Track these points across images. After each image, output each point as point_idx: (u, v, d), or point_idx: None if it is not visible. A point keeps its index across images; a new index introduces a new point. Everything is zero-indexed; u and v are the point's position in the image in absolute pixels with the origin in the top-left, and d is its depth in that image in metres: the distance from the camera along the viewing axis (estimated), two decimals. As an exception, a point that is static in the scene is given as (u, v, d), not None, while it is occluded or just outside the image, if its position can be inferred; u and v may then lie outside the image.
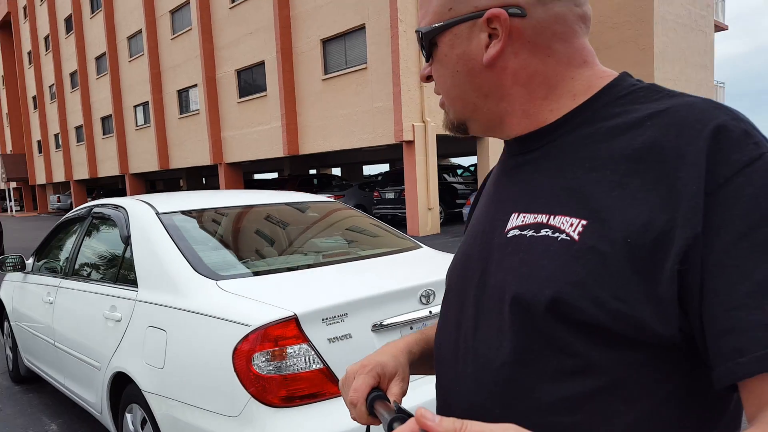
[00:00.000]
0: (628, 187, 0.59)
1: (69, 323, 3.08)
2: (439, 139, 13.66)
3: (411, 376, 0.84)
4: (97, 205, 3.39)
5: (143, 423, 2.47)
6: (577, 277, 0.59)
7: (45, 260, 3.91)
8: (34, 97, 36.50)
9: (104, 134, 27.94)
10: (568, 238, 0.61)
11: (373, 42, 13.52)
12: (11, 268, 3.95)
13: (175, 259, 2.47)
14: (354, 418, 0.79)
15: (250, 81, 17.73)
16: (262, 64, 17.04)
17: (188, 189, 27.12)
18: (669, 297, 0.55)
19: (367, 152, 18.14)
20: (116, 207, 3.12)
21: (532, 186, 0.69)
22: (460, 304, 0.75)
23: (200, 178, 27.67)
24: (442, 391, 0.76)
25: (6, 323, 4.52)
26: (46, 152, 35.09)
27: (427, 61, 0.75)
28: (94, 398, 2.87)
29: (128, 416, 2.61)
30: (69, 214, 3.81)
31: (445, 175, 15.51)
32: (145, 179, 26.96)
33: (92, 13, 27.48)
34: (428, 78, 0.77)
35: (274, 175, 28.15)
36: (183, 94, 21.49)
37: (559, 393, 0.61)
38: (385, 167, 26.07)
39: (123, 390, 2.67)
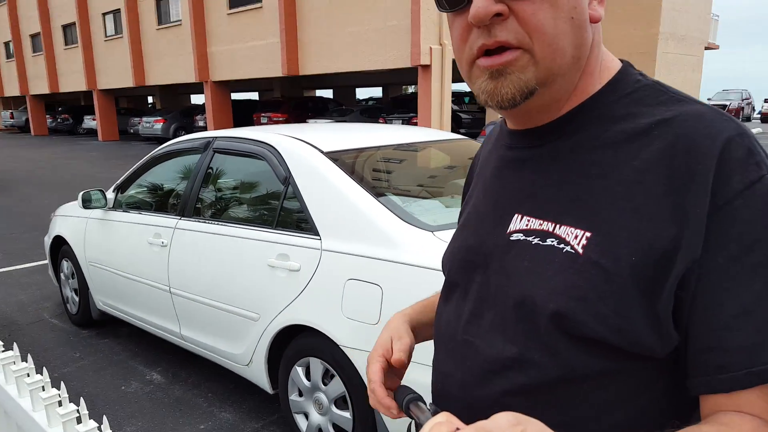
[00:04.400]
0: (634, 200, 0.59)
1: (201, 269, 2.77)
2: (454, 64, 13.08)
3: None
4: (221, 138, 2.98)
5: (325, 376, 2.32)
6: (580, 292, 0.59)
7: (135, 196, 3.50)
8: (-21, 0, 33.21)
9: (66, 44, 25.78)
10: (573, 251, 0.61)
11: (386, -47, 12.51)
12: (100, 203, 3.53)
13: (375, 209, 2.17)
14: (374, 405, 0.80)
15: (242, -9, 16.41)
16: (255, -28, 15.70)
17: (161, 108, 25.66)
18: (665, 314, 0.57)
19: (361, 75, 17.33)
20: (256, 142, 2.73)
21: (537, 187, 0.67)
22: (462, 295, 0.75)
23: (175, 96, 26.15)
24: (440, 377, 0.77)
25: (65, 263, 4.12)
26: (-4, 62, 32.41)
27: None
28: (240, 350, 2.63)
29: (299, 369, 2.40)
30: (168, 146, 3.37)
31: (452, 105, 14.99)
32: (114, 96, 25.34)
33: None
34: (496, 15, 0.59)
35: (255, 95, 26.75)
36: (162, 3, 19.80)
37: (555, 397, 0.63)
38: (377, 92, 25.06)
39: (286, 343, 2.45)
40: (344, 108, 17.75)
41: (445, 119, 12.71)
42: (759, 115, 25.90)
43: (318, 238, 2.28)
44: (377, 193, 2.26)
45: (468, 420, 0.51)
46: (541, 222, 0.65)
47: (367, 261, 2.09)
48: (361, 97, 25.68)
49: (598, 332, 0.59)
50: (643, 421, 0.62)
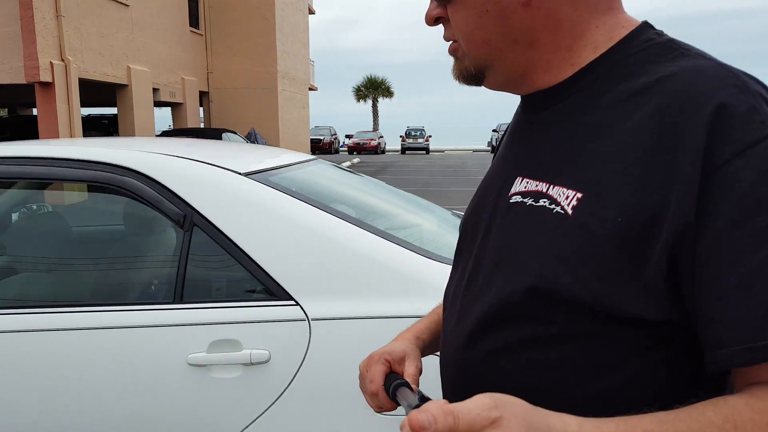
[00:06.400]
0: (625, 162, 0.57)
1: (13, 401, 1.45)
2: (82, 83, 10.96)
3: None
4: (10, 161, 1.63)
5: None
6: (564, 253, 0.58)
7: None
8: None
9: None
10: (562, 212, 0.60)
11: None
12: None
13: (382, 247, 1.56)
14: (378, 408, 0.78)
15: None
16: None
17: None
18: (655, 282, 0.54)
19: None
20: (88, 165, 1.61)
21: (538, 150, 0.68)
22: (465, 259, 0.76)
23: None
24: (443, 343, 0.78)
25: None
26: None
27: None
28: None
29: None
30: None
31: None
32: None
33: None
34: (436, 20, 0.71)
35: None
36: None
37: (537, 358, 0.62)
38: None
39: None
40: None
41: (78, 149, 10.57)
42: (344, 147, 31.01)
43: (292, 303, 1.47)
44: (364, 226, 1.62)
45: (462, 383, 0.51)
46: (537, 183, 0.65)
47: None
48: None
49: (578, 295, 0.57)
50: (636, 390, 0.58)
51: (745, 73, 0.56)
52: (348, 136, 30.82)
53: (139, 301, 1.52)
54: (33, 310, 1.48)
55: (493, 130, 28.25)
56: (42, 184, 1.66)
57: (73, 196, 1.76)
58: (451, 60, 0.74)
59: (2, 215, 1.70)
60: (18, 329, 1.45)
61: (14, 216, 1.74)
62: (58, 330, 1.45)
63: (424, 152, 29.46)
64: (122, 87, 12.54)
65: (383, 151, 30.36)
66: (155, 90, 13.90)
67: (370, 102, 38.30)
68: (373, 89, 38.45)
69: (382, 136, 30.78)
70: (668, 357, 0.58)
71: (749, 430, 0.47)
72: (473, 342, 0.67)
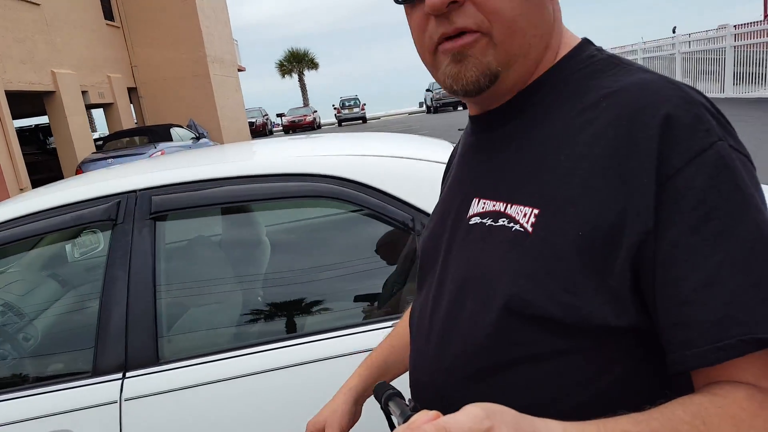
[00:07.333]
0: (580, 175, 0.58)
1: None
2: (10, 96, 10.01)
3: None
4: (160, 190, 1.45)
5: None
6: (530, 271, 0.59)
7: None
8: None
9: None
10: (522, 230, 0.61)
11: None
12: None
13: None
14: None
15: None
16: None
17: None
18: (622, 290, 0.56)
19: None
20: (293, 178, 1.48)
21: (493, 170, 0.69)
22: (429, 283, 0.76)
23: None
24: (412, 369, 0.78)
25: None
26: None
27: None
28: None
29: None
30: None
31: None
32: None
33: None
34: (453, 2, 0.61)
35: None
36: None
37: (515, 379, 0.62)
38: None
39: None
40: None
41: (18, 164, 9.75)
42: (278, 127, 30.23)
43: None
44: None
45: (441, 409, 0.50)
46: (495, 203, 0.65)
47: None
48: None
49: (548, 310, 0.58)
50: (616, 398, 0.59)
51: (687, 86, 0.59)
52: (280, 115, 30.02)
53: (383, 318, 1.43)
54: (295, 341, 1.36)
55: (427, 90, 28.22)
56: (238, 206, 1.50)
57: (270, 214, 1.61)
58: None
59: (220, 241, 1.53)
60: (290, 364, 1.33)
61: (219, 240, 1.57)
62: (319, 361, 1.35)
63: (361, 121, 29.20)
64: (50, 94, 11.60)
65: (319, 126, 29.80)
66: (84, 92, 12.96)
67: (296, 77, 37.37)
68: (297, 62, 37.43)
69: (315, 111, 30.13)
70: (639, 364, 0.59)
71: (715, 423, 0.50)
72: (450, 367, 0.67)
